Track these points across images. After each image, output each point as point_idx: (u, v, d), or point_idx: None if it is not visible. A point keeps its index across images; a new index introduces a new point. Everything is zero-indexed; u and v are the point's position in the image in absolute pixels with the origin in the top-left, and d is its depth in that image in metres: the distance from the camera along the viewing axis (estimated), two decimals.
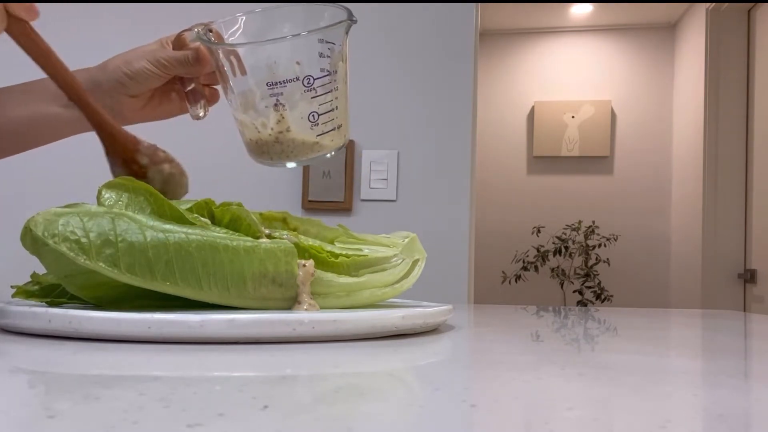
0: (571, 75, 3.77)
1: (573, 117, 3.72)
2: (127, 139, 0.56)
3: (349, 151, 1.57)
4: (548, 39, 3.80)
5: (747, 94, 2.77)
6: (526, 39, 3.82)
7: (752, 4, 2.74)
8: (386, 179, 1.56)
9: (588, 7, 3.53)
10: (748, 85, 2.77)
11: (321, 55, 0.56)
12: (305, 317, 0.46)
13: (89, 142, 1.78)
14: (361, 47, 1.58)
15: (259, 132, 0.59)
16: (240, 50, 0.58)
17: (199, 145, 1.62)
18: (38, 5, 0.52)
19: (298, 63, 0.56)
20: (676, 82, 3.54)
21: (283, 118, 0.58)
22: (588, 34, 3.76)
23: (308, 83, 0.57)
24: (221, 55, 0.58)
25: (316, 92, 0.57)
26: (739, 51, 2.79)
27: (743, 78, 2.78)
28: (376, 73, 1.59)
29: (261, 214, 0.58)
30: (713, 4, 2.82)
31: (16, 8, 0.51)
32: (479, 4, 1.69)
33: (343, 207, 1.56)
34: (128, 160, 0.56)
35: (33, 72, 0.66)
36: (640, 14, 3.55)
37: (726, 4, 2.78)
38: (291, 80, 0.56)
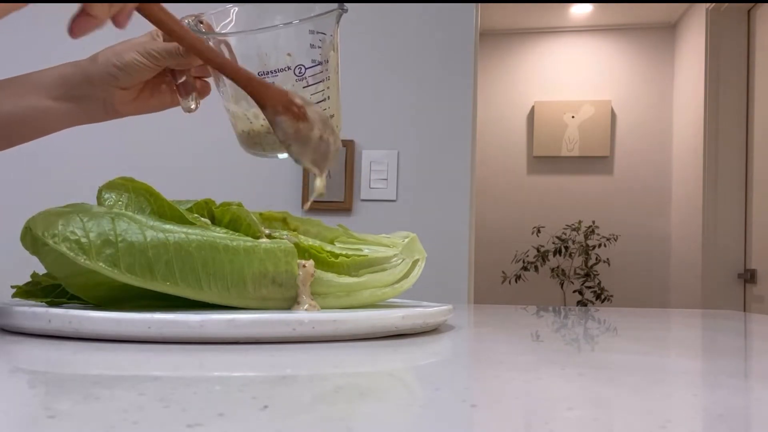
0: (571, 75, 3.76)
1: (573, 117, 3.72)
2: (275, 86, 0.56)
3: (349, 151, 1.57)
4: (548, 39, 3.80)
5: (747, 94, 2.77)
6: (526, 39, 3.82)
7: (752, 4, 2.74)
8: (386, 179, 1.56)
9: (588, 7, 3.53)
10: (748, 85, 2.77)
11: (312, 45, 0.57)
12: (305, 317, 0.46)
13: (89, 142, 1.76)
14: (361, 47, 1.58)
15: (251, 123, 0.59)
16: (231, 40, 0.58)
17: (198, 144, 1.62)
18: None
19: (289, 54, 0.57)
20: (676, 82, 3.54)
21: None
22: (588, 34, 3.76)
23: (300, 73, 0.57)
24: (212, 46, 0.58)
25: (307, 82, 0.57)
26: (739, 51, 2.79)
27: (743, 78, 2.78)
28: (376, 73, 1.59)
29: (261, 214, 0.58)
30: (713, 4, 2.82)
31: None
32: (479, 4, 1.69)
33: (343, 207, 1.56)
34: (286, 103, 0.54)
35: (29, 68, 0.66)
36: (640, 14, 3.55)
37: (726, 4, 2.78)
38: (282, 70, 0.57)
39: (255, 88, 0.54)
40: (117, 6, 0.47)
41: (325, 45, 0.57)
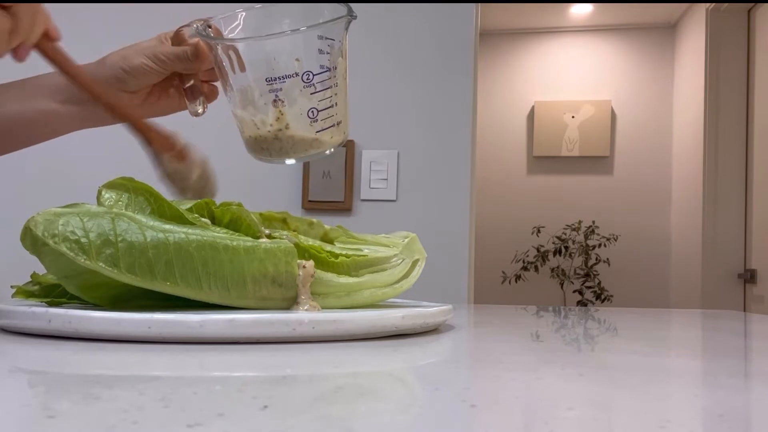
0: (571, 75, 3.76)
1: (573, 117, 3.72)
2: (160, 128, 0.60)
3: (349, 151, 1.57)
4: (548, 39, 3.80)
5: (747, 94, 2.77)
6: (526, 39, 3.82)
7: (752, 4, 2.74)
8: (386, 179, 1.56)
9: (588, 7, 3.53)
10: (748, 85, 2.77)
11: (320, 51, 0.56)
12: (305, 317, 0.46)
13: (89, 142, 1.76)
14: (361, 47, 1.58)
15: (258, 129, 0.59)
16: (239, 46, 0.58)
17: (198, 144, 1.62)
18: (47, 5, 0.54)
19: (297, 60, 0.56)
20: (676, 82, 3.54)
21: (282, 114, 0.58)
22: (588, 34, 3.76)
23: (307, 79, 0.56)
24: (220, 51, 0.58)
25: (315, 88, 0.57)
26: (739, 51, 2.79)
27: (743, 78, 2.78)
28: (376, 73, 1.59)
29: (261, 214, 0.58)
30: (713, 4, 2.82)
31: (52, 32, 0.56)
32: (479, 4, 1.69)
33: (343, 207, 1.56)
34: (168, 146, 0.59)
35: (30, 70, 0.66)
36: (640, 14, 3.55)
37: (726, 4, 2.78)
38: (290, 76, 0.56)
39: (143, 130, 0.59)
40: (15, 42, 0.52)
41: (334, 51, 0.57)
